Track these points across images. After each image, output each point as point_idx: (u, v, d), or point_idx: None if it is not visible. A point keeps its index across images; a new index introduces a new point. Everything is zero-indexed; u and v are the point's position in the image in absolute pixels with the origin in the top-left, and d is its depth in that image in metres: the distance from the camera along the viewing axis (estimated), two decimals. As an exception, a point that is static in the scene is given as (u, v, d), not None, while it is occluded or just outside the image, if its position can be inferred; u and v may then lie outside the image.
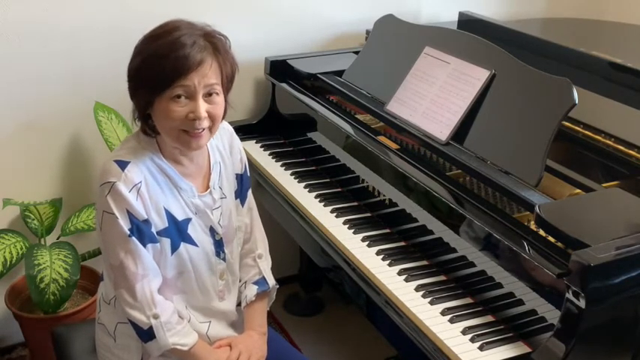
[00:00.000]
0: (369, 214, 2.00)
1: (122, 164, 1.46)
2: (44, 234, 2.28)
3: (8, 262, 2.16)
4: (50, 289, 2.09)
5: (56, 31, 2.20)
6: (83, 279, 2.25)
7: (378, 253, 1.80)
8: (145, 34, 1.47)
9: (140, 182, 1.46)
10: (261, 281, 1.71)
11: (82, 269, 2.23)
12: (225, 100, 1.52)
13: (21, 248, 2.20)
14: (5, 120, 2.24)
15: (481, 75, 1.86)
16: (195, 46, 1.42)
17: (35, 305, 2.18)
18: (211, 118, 1.46)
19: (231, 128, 1.71)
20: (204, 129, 1.46)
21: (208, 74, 1.43)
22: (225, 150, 1.66)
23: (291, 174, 2.22)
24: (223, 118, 1.53)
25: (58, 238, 2.31)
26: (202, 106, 1.43)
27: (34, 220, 2.27)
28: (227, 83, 1.51)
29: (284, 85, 2.40)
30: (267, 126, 2.47)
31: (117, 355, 1.61)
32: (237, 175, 1.69)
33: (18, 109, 2.24)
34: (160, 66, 1.40)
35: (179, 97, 1.42)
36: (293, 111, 2.41)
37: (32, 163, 2.32)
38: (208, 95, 1.45)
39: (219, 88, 1.47)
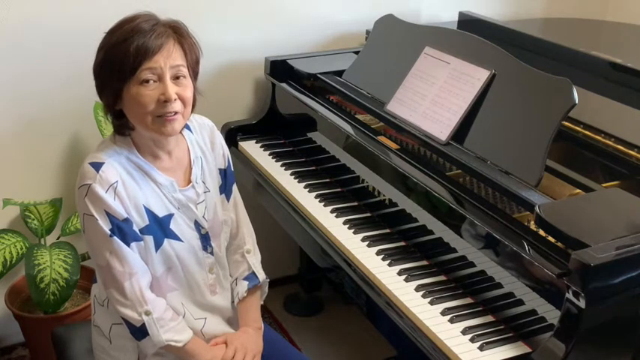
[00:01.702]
0: (369, 214, 1.99)
1: (96, 165, 1.46)
2: (44, 234, 2.28)
3: (8, 262, 2.16)
4: (50, 289, 2.09)
5: (56, 31, 2.20)
6: (83, 279, 2.25)
7: (378, 253, 1.80)
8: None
9: (116, 182, 1.46)
10: (251, 276, 1.71)
11: (82, 269, 2.23)
12: (195, 87, 1.52)
13: (21, 248, 2.20)
14: (5, 120, 2.24)
15: (481, 75, 1.86)
16: (155, 29, 1.44)
17: (35, 305, 2.19)
18: (182, 100, 1.46)
19: (212, 123, 1.71)
20: (176, 112, 1.46)
21: (173, 55, 1.45)
22: (206, 145, 1.66)
23: (291, 174, 2.22)
24: (194, 106, 1.54)
25: (58, 238, 2.32)
26: (171, 87, 1.44)
27: (34, 220, 2.27)
28: (194, 65, 1.52)
29: (284, 85, 2.40)
30: (267, 126, 2.47)
31: (113, 357, 1.61)
32: (220, 170, 1.69)
33: (18, 109, 2.24)
34: (123, 51, 1.41)
35: (147, 81, 1.43)
36: (293, 111, 2.41)
37: (32, 163, 2.32)
38: (176, 78, 1.46)
39: (185, 71, 1.47)
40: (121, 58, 1.42)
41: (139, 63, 1.41)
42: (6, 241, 2.19)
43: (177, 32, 1.48)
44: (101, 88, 1.49)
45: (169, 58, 1.44)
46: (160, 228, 1.53)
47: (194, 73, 1.52)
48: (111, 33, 1.47)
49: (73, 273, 2.14)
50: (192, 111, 1.54)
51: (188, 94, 1.48)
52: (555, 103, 1.69)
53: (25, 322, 2.27)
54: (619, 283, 1.39)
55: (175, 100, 1.45)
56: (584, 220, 1.52)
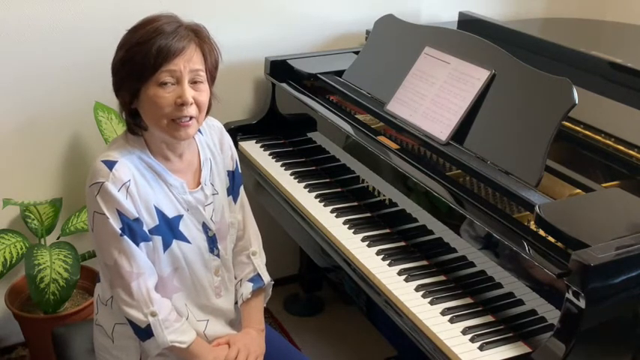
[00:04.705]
0: (369, 214, 1.99)
1: (110, 164, 1.46)
2: (44, 234, 2.28)
3: (8, 262, 2.16)
4: (50, 289, 2.09)
5: (56, 31, 2.20)
6: (83, 279, 2.25)
7: (378, 253, 1.80)
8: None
9: (129, 181, 1.46)
10: (256, 278, 1.71)
11: (82, 269, 2.23)
12: (211, 92, 1.52)
13: (21, 248, 2.20)
14: (5, 120, 2.24)
15: (481, 75, 1.86)
16: (177, 32, 1.44)
17: (35, 305, 2.19)
18: (197, 105, 1.47)
19: (220, 125, 1.71)
20: (191, 118, 1.46)
21: (193, 59, 1.45)
22: (216, 147, 1.67)
23: (291, 174, 2.22)
24: (209, 110, 1.54)
25: (58, 238, 2.32)
26: (189, 91, 1.44)
27: (34, 220, 2.27)
28: (212, 70, 1.52)
29: (284, 85, 2.40)
30: (267, 126, 2.47)
31: (115, 356, 1.61)
32: (228, 171, 1.69)
33: (18, 109, 2.24)
34: (145, 52, 1.41)
35: (165, 83, 1.43)
36: (293, 111, 2.41)
37: (32, 163, 2.32)
38: (194, 82, 1.46)
39: (204, 76, 1.48)
40: (142, 58, 1.42)
41: (159, 65, 1.41)
42: (6, 241, 2.20)
43: (199, 36, 1.48)
44: (118, 86, 1.49)
45: (189, 62, 1.44)
46: (169, 229, 1.53)
47: (212, 78, 1.52)
48: (133, 32, 1.46)
49: (73, 273, 2.14)
50: (207, 115, 1.54)
51: (204, 98, 1.48)
52: (555, 103, 1.69)
53: (25, 322, 2.27)
54: (619, 283, 1.39)
55: (191, 104, 1.45)
56: (584, 220, 1.52)
